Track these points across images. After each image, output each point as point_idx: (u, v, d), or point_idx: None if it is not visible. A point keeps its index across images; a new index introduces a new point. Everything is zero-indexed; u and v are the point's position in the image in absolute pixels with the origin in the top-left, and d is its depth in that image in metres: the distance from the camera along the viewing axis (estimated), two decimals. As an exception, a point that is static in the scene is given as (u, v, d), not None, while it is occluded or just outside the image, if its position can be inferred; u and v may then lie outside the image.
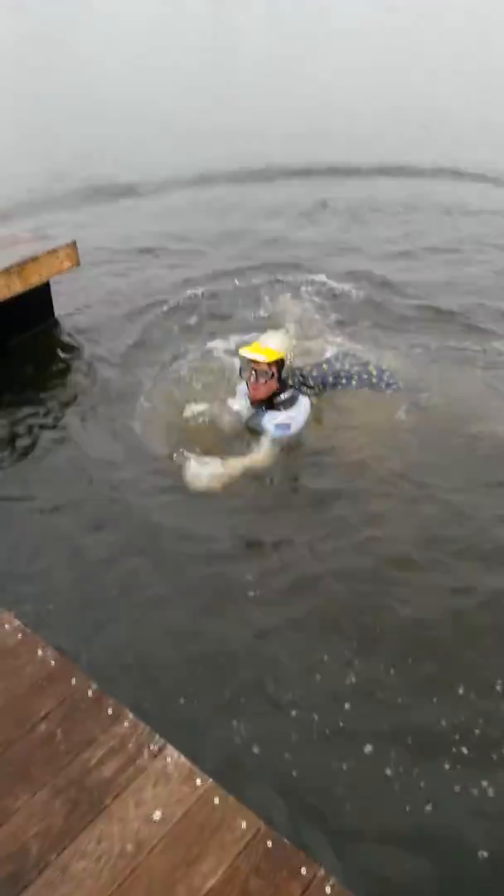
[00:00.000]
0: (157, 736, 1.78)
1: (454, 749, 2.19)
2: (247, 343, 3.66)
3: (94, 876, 1.51)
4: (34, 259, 4.28)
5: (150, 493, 3.30)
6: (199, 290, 5.23)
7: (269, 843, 1.56)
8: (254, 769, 2.13)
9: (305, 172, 8.18)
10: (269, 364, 3.39)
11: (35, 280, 4.33)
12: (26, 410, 3.94)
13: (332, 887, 1.47)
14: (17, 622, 2.09)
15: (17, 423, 3.84)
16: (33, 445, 3.68)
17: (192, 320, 4.83)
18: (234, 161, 8.37)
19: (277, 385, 3.48)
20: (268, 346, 3.45)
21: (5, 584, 2.82)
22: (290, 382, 3.57)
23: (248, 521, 3.16)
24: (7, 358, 4.48)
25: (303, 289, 5.09)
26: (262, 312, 4.84)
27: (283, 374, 3.51)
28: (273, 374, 3.43)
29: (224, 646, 2.55)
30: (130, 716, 1.83)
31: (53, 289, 4.82)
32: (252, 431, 3.55)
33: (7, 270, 4.12)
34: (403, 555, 2.93)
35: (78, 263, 4.64)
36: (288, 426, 3.47)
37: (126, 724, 1.81)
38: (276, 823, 1.62)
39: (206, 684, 2.41)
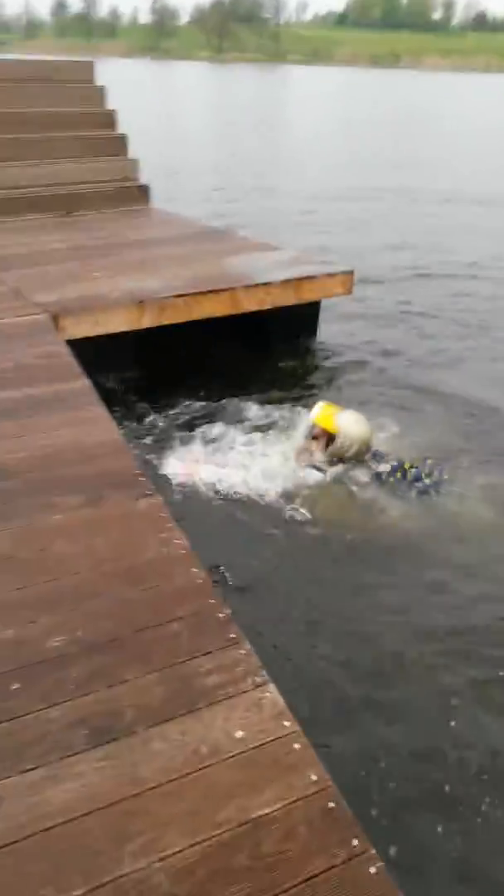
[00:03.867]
0: (265, 672, 1.81)
1: None
2: None
3: (167, 758, 1.59)
4: (310, 278, 4.67)
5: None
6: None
7: (331, 804, 1.49)
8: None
9: None
10: (315, 425, 3.56)
11: (307, 296, 4.71)
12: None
13: (379, 869, 1.36)
14: (186, 542, 2.30)
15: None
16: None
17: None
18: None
19: (319, 450, 3.52)
20: (330, 413, 3.50)
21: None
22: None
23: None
24: (269, 360, 4.90)
25: None
26: None
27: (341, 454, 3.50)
28: (315, 438, 3.56)
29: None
30: (248, 646, 1.89)
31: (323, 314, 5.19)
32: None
33: (284, 282, 4.55)
34: None
35: (350, 292, 4.93)
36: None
37: (242, 651, 1.87)
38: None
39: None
